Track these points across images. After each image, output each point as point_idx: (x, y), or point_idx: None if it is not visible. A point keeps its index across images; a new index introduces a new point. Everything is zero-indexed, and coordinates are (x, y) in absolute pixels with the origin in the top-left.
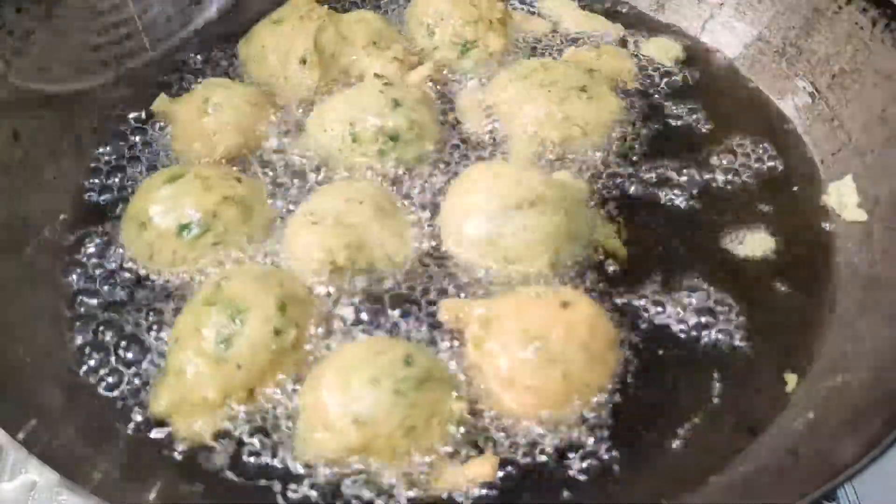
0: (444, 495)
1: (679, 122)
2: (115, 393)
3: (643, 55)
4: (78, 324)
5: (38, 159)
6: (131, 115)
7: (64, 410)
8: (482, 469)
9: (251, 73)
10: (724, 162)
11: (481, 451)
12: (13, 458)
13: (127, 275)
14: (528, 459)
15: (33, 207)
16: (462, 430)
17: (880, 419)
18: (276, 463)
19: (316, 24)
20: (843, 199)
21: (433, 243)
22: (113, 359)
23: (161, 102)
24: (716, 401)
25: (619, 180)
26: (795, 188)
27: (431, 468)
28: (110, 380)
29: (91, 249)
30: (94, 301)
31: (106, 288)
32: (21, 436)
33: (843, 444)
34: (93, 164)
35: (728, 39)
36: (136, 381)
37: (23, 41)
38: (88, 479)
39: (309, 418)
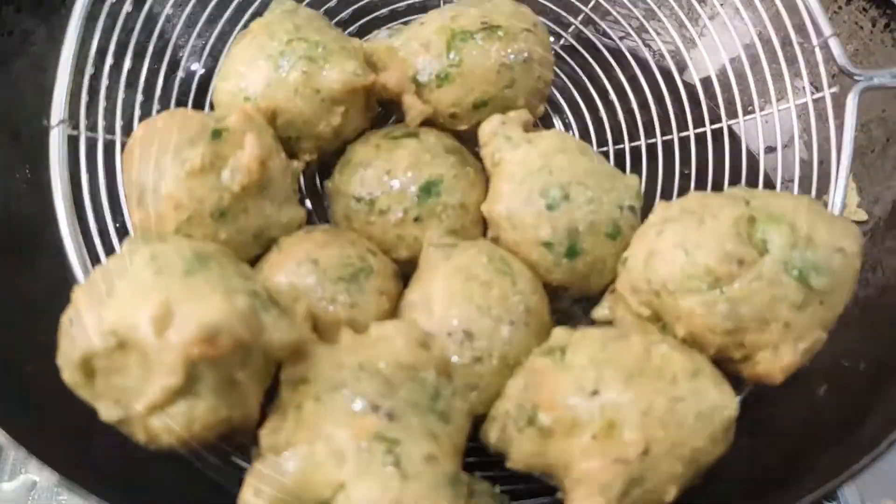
0: None
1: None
2: None
3: None
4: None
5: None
6: None
7: (65, 410)
8: None
9: None
10: None
11: None
12: (13, 457)
13: None
14: None
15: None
16: None
17: (881, 419)
18: None
19: None
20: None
21: None
22: None
23: None
24: None
25: None
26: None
27: None
28: None
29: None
30: None
31: None
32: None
33: (845, 444)
34: None
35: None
36: None
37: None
38: (88, 478)
39: None
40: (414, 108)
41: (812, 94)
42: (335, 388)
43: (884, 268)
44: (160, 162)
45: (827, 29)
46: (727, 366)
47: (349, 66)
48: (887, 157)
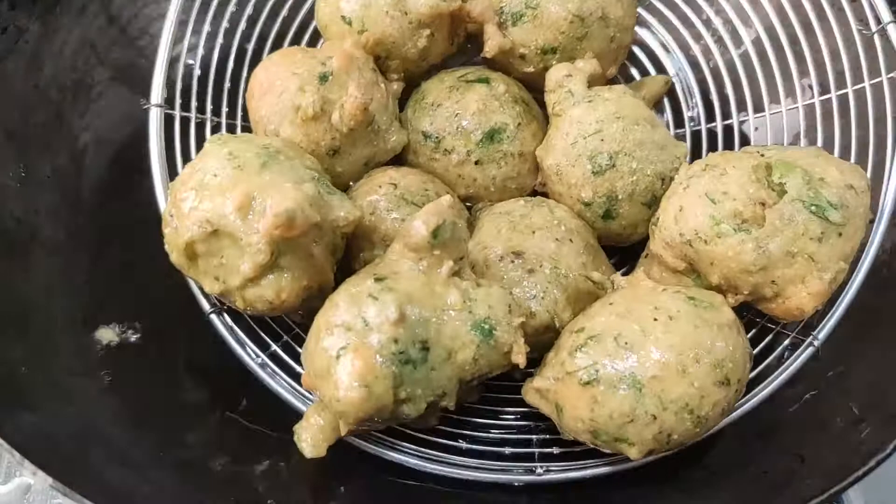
0: None
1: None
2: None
3: None
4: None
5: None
6: None
7: (60, 413)
8: None
9: None
10: None
11: None
12: (7, 461)
13: None
14: None
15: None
16: None
17: (886, 421)
18: None
19: None
20: None
21: None
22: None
23: None
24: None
25: None
26: None
27: None
28: (108, 380)
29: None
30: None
31: None
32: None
33: (849, 448)
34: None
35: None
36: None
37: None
38: (83, 482)
39: None
40: (493, 38)
41: (868, 81)
42: None
43: (891, 267)
44: (277, 107)
45: (887, 15)
46: (761, 306)
47: None
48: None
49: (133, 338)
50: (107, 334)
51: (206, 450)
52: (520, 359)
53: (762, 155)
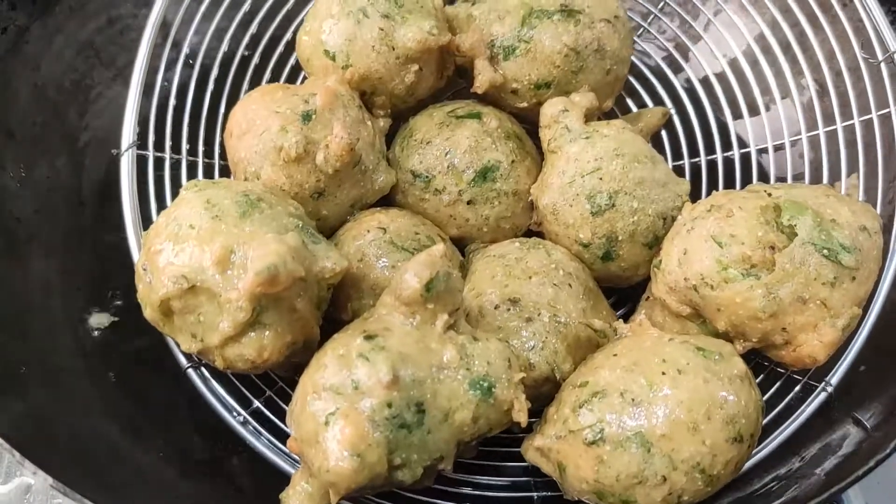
0: None
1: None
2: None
3: None
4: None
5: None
6: None
7: (60, 413)
8: None
9: None
10: None
11: None
12: (7, 461)
13: None
14: None
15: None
16: None
17: (885, 422)
18: None
19: None
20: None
21: None
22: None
23: None
24: None
25: None
26: None
27: None
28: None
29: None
30: None
31: None
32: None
33: (849, 448)
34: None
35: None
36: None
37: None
38: (83, 482)
39: None
40: (484, 73)
41: (875, 112)
42: None
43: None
44: (258, 148)
45: (893, 44)
46: (770, 353)
47: (425, 25)
48: (893, 155)
49: (133, 338)
50: (107, 332)
51: (205, 449)
52: (521, 417)
53: (770, 195)
